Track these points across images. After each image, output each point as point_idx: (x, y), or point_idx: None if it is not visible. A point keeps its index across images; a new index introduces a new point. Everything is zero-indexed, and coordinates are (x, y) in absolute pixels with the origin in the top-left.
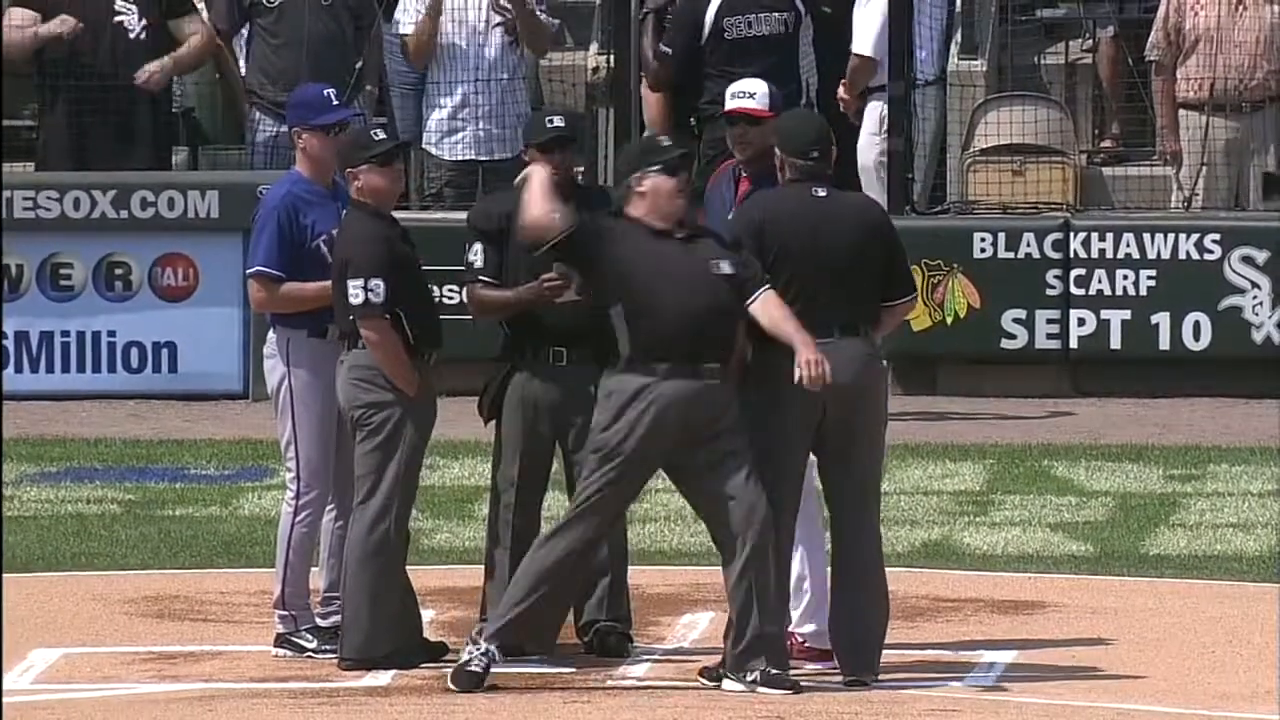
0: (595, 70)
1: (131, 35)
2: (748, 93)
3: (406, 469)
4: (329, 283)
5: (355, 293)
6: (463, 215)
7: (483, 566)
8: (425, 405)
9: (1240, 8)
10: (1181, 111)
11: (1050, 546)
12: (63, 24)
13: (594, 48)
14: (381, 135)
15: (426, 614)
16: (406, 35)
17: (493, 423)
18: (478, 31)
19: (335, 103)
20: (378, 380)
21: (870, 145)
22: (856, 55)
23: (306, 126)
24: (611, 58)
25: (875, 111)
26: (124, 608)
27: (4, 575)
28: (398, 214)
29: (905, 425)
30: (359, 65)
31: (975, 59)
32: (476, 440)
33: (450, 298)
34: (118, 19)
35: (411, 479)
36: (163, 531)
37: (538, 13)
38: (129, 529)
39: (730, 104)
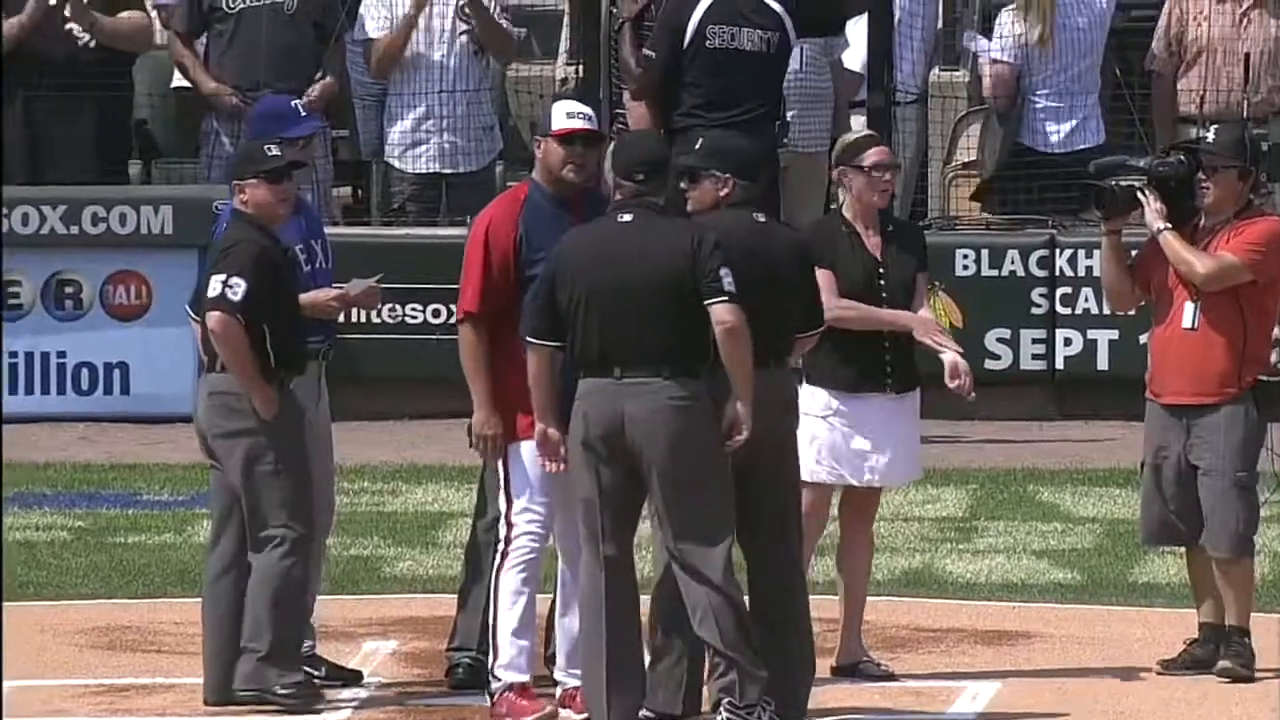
0: (564, 81)
1: (81, 43)
2: (583, 113)
3: (293, 492)
4: (315, 293)
5: (213, 286)
6: (426, 231)
7: (455, 596)
8: (291, 427)
9: (1245, 20)
10: (1180, 125)
11: (1036, 574)
12: None
13: (562, 58)
14: (275, 151)
15: (389, 644)
16: (372, 42)
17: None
18: (442, 41)
19: (303, 114)
20: (238, 405)
21: None
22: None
23: (278, 139)
24: (580, 68)
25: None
26: (74, 639)
27: None
28: (357, 229)
29: None
30: (319, 76)
31: (957, 70)
32: (441, 464)
33: (414, 316)
34: (69, 26)
35: (289, 505)
36: (115, 559)
37: (499, 20)
38: (79, 557)
39: (568, 123)
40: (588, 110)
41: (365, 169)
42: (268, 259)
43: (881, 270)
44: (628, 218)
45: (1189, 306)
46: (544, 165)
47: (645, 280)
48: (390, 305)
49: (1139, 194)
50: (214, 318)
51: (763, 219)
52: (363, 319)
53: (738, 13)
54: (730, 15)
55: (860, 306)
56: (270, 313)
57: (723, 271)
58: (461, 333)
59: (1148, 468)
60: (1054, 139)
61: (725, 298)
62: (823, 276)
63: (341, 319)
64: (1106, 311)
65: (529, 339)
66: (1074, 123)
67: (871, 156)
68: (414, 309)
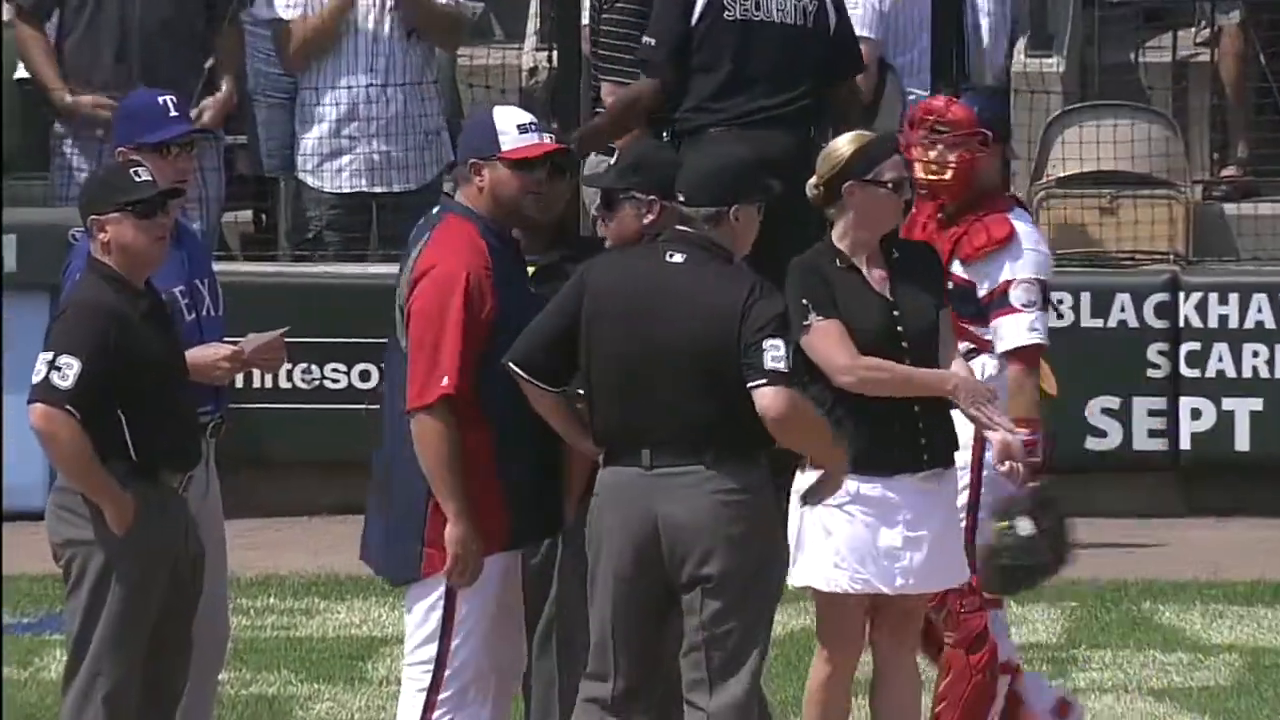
0: (532, 71)
1: None
2: (537, 124)
3: (120, 631)
4: (199, 350)
5: (38, 368)
6: (351, 268)
7: None
8: (149, 544)
9: None
10: None
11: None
12: None
13: (530, 42)
14: (145, 176)
15: None
16: (285, 25)
17: None
18: (370, 18)
19: (174, 114)
20: (82, 509)
21: None
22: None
23: (136, 145)
24: (553, 55)
25: None
26: None
27: None
28: (260, 265)
29: None
30: (210, 65)
31: (1049, 55)
32: (371, 574)
33: (335, 380)
34: None
35: (128, 645)
36: None
37: None
38: None
39: (525, 140)
40: (534, 119)
41: (270, 187)
42: (122, 329)
43: (897, 314)
44: (679, 258)
45: None
46: (490, 196)
47: (686, 341)
48: (302, 365)
49: None
50: (35, 411)
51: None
52: (266, 383)
53: None
54: None
55: (892, 366)
56: (129, 396)
57: (769, 343)
58: (428, 424)
59: None
60: None
61: (765, 379)
62: (830, 329)
63: (237, 383)
64: (1246, 374)
65: (519, 370)
66: None
67: (891, 169)
68: (335, 370)
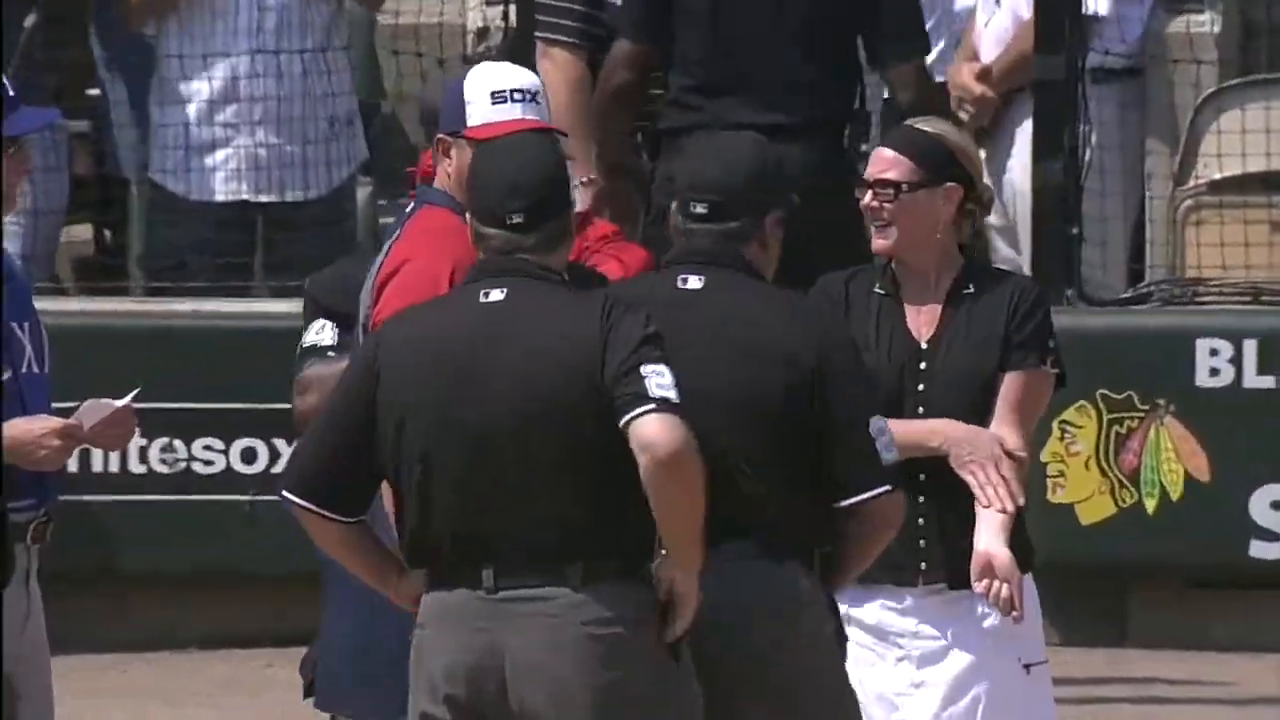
0: (482, 34)
1: None
2: (523, 90)
3: None
4: (20, 423)
5: None
6: (228, 305)
7: None
8: None
9: None
10: None
11: None
12: None
13: None
14: None
15: None
16: None
17: None
18: None
19: (13, 94)
20: None
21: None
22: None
23: None
24: (509, 10)
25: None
26: None
27: None
28: (102, 301)
29: (1075, 708)
30: (31, 23)
31: (1199, 11)
32: None
33: (208, 460)
34: None
35: None
36: None
37: None
38: None
39: (498, 113)
40: (530, 81)
41: (118, 194)
42: None
43: (924, 365)
44: (496, 296)
45: None
46: (459, 183)
47: (534, 405)
48: (161, 441)
49: None
50: None
51: (697, 284)
52: (111, 466)
53: None
54: None
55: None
56: None
57: (649, 369)
58: None
59: None
60: None
61: (651, 405)
62: None
63: (70, 467)
64: None
65: (300, 502)
66: None
67: (872, 162)
68: (208, 447)
